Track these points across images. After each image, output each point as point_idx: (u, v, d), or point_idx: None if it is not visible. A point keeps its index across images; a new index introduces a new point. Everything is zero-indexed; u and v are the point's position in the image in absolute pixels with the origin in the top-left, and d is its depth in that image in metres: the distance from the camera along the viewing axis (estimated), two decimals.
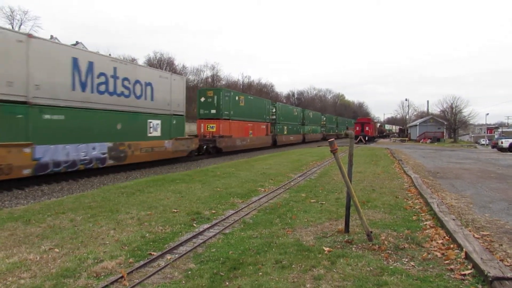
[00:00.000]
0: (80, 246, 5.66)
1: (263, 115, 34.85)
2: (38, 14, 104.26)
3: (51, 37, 52.82)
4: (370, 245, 5.64)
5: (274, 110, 38.93)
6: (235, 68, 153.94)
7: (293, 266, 4.86)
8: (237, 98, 29.38)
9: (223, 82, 76.90)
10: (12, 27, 48.24)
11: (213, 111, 26.82)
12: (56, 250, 5.44)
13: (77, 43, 60.21)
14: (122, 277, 4.49)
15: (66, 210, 7.91)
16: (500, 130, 65.49)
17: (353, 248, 5.57)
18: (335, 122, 75.46)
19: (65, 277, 4.50)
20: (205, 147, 25.28)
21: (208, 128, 26.51)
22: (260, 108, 34.28)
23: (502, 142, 34.05)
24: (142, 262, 5.02)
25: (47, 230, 6.45)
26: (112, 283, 4.36)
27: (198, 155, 24.50)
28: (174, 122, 20.09)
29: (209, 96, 27.15)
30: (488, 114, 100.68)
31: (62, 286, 4.26)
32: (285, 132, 41.87)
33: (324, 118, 65.11)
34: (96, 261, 5.02)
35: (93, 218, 7.30)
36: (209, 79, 74.45)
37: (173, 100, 20.07)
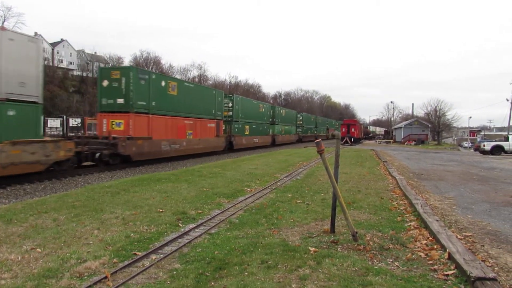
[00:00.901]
0: (63, 246, 5.56)
1: (211, 110, 26.18)
2: (22, 11, 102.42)
3: (35, 34, 51.94)
4: (356, 245, 5.68)
5: (230, 104, 30.97)
6: (224, 69, 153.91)
7: (279, 266, 4.86)
8: (163, 83, 20.55)
9: (210, 82, 76.80)
10: None
11: (120, 100, 18.05)
12: (38, 250, 5.34)
13: (62, 40, 59.35)
14: (105, 277, 4.43)
15: (49, 210, 7.77)
16: (482, 133, 66.88)
17: (339, 248, 5.60)
18: (314, 122, 67.84)
19: (47, 277, 4.41)
20: (98, 154, 16.53)
21: (114, 126, 18.08)
22: (207, 101, 25.49)
23: (484, 145, 34.65)
24: (126, 262, 4.96)
25: (29, 230, 6.33)
26: (95, 283, 4.29)
27: (81, 168, 16.35)
28: (12, 113, 11.97)
29: (115, 78, 18.21)
30: (471, 117, 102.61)
31: (44, 286, 4.18)
32: (247, 133, 33.83)
33: (301, 117, 57.85)
34: (79, 261, 4.94)
35: (76, 218, 7.18)
36: (196, 79, 74.18)
37: (8, 75, 11.78)
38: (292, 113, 54.35)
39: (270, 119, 42.43)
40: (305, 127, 59.50)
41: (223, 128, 29.26)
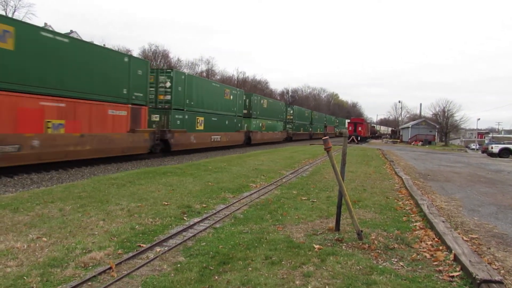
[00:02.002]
0: (69, 235, 5.60)
1: (119, 89, 16.24)
2: (32, 1, 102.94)
3: (45, 24, 52.20)
4: (360, 244, 5.66)
5: (168, 84, 20.53)
6: (230, 64, 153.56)
7: (282, 262, 4.85)
8: None
9: (218, 77, 76.72)
10: (6, 13, 47.55)
11: None
12: (44, 239, 5.38)
13: (71, 31, 59.56)
14: (110, 268, 4.45)
15: (55, 199, 7.83)
16: (490, 135, 66.23)
17: (343, 247, 5.58)
18: (309, 117, 57.09)
19: (52, 266, 4.44)
20: None
21: None
22: (109, 72, 15.65)
23: (492, 148, 34.36)
24: (131, 254, 4.98)
25: (35, 219, 6.37)
26: (100, 273, 4.31)
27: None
28: None
29: None
30: (479, 119, 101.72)
31: (49, 275, 4.21)
32: (200, 127, 23.54)
33: (291, 111, 48.53)
34: (84, 251, 4.97)
35: (82, 208, 7.23)
36: (204, 74, 74.20)
37: None
38: (278, 104, 43.88)
39: (245, 111, 31.95)
40: (296, 124, 49.67)
41: (148, 118, 18.81)
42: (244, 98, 32.36)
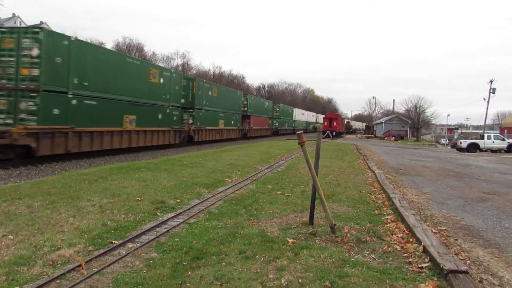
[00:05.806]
0: (37, 233, 5.43)
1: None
2: None
3: (13, 15, 50.26)
4: (333, 237, 5.73)
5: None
6: (208, 58, 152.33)
7: (256, 256, 4.86)
8: None
9: (194, 71, 75.98)
10: None
11: None
12: (10, 236, 5.19)
13: (41, 23, 57.61)
14: (80, 265, 4.34)
15: (23, 196, 7.57)
16: (459, 131, 68.33)
17: (317, 240, 5.64)
18: (186, 95, 25.46)
19: (19, 264, 4.30)
20: None
21: None
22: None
23: (461, 143, 35.45)
24: (102, 251, 4.88)
25: (1, 216, 6.14)
26: (69, 271, 4.20)
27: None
28: None
29: None
30: (449, 115, 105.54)
31: (15, 274, 4.07)
32: None
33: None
34: (53, 248, 4.83)
35: (51, 205, 7.02)
36: (180, 68, 73.29)
37: None
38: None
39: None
40: (140, 111, 19.44)
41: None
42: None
